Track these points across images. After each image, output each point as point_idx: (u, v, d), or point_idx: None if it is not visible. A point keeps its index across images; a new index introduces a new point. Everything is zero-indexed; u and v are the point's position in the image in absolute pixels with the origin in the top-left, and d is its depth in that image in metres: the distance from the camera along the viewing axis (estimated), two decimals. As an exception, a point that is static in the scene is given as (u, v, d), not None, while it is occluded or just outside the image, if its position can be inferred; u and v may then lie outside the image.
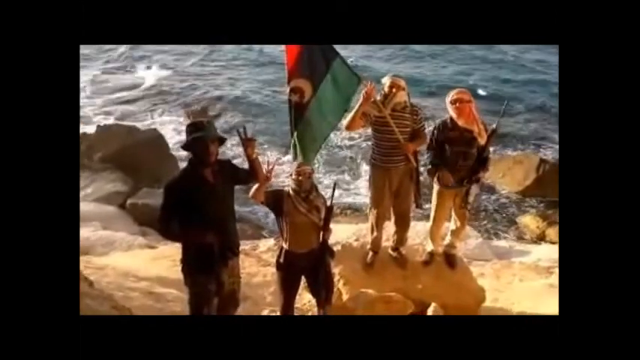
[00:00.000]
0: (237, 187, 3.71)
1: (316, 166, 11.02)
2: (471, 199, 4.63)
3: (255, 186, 3.84)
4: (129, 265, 6.00)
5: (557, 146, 14.26)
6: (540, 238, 10.38)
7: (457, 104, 4.39)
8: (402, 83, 4.44)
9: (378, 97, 4.46)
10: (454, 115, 4.43)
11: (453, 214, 4.87)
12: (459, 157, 4.48)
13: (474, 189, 4.61)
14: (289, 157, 4.65)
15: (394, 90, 4.39)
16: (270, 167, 3.81)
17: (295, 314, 4.57)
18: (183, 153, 4.88)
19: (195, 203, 3.35)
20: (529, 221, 10.98)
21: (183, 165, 3.60)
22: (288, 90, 4.52)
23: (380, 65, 18.97)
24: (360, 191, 12.18)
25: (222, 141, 3.51)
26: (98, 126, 14.03)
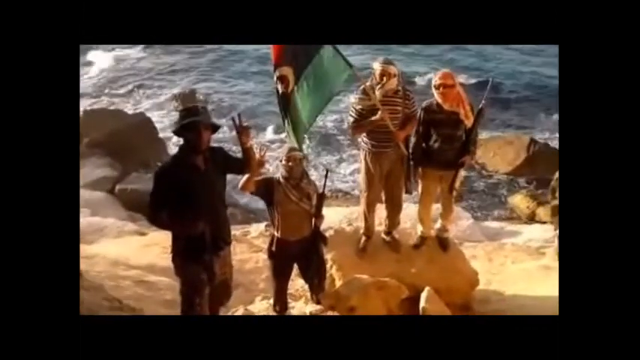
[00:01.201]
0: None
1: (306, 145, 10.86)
2: (457, 184, 4.60)
3: (246, 176, 3.75)
4: (119, 253, 5.95)
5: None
6: (530, 218, 10.42)
7: (441, 89, 4.33)
8: (393, 70, 4.32)
9: (369, 84, 4.37)
10: (439, 100, 4.37)
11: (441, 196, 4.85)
12: (446, 140, 4.43)
13: (461, 173, 4.58)
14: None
15: (385, 78, 4.29)
16: (263, 152, 3.75)
17: (288, 300, 4.56)
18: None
19: (185, 191, 3.29)
20: (519, 201, 11.00)
21: (172, 150, 3.52)
22: (275, 79, 4.41)
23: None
24: (347, 176, 12.16)
25: (215, 128, 3.43)
26: (84, 110, 13.81)
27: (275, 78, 4.38)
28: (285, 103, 4.42)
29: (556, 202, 10.15)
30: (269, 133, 13.75)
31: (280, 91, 4.38)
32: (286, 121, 4.49)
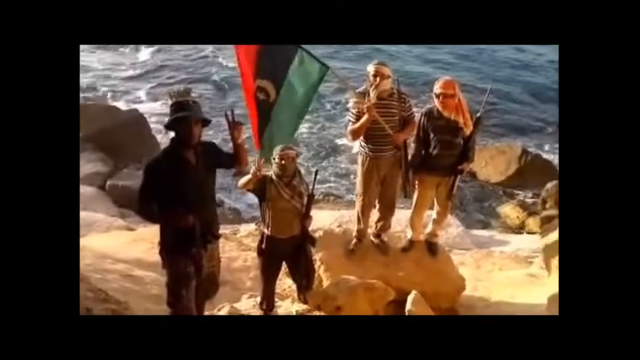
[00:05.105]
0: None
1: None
2: (454, 190, 4.63)
3: (247, 177, 3.84)
4: (107, 247, 5.92)
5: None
6: (520, 228, 10.46)
7: (441, 98, 4.35)
8: (387, 71, 4.31)
9: (364, 87, 4.38)
10: (439, 107, 4.39)
11: (435, 202, 4.86)
12: (445, 147, 4.45)
13: (458, 180, 4.61)
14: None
15: (378, 79, 4.28)
16: (261, 162, 3.85)
17: (275, 300, 4.56)
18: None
19: (175, 185, 3.29)
20: (509, 211, 11.06)
21: (164, 146, 3.53)
22: (254, 88, 4.43)
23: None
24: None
25: (206, 122, 3.44)
26: (78, 105, 13.77)
27: (254, 87, 4.39)
28: (266, 112, 4.45)
29: (546, 212, 10.21)
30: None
31: (261, 99, 4.40)
32: (265, 131, 4.50)
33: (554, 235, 5.45)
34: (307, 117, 4.90)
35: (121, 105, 15.11)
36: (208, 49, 19.62)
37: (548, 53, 19.84)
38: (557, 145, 14.09)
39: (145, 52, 20.01)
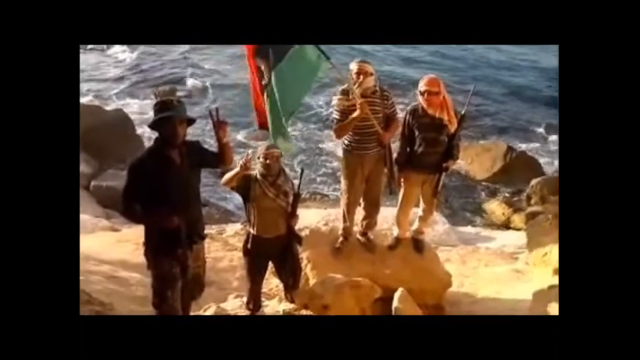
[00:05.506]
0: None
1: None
2: (439, 187, 4.63)
3: (232, 172, 3.78)
4: (91, 247, 5.85)
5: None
6: (505, 225, 10.52)
7: (426, 95, 4.36)
8: (370, 68, 4.33)
9: (347, 85, 4.38)
10: (424, 105, 4.40)
11: (420, 200, 4.87)
12: (430, 144, 4.46)
13: (443, 177, 4.62)
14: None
15: (361, 77, 4.29)
16: (249, 157, 3.78)
17: (262, 299, 4.54)
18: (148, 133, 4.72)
19: (160, 184, 3.26)
20: (495, 208, 11.12)
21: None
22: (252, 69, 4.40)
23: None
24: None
25: (191, 122, 3.40)
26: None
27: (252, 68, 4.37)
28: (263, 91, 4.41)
29: (531, 209, 10.29)
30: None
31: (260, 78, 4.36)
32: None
33: (538, 231, 5.50)
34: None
35: (103, 105, 14.93)
36: (184, 48, 19.48)
37: (529, 53, 20.00)
38: (538, 145, 14.30)
39: (123, 52, 19.78)
